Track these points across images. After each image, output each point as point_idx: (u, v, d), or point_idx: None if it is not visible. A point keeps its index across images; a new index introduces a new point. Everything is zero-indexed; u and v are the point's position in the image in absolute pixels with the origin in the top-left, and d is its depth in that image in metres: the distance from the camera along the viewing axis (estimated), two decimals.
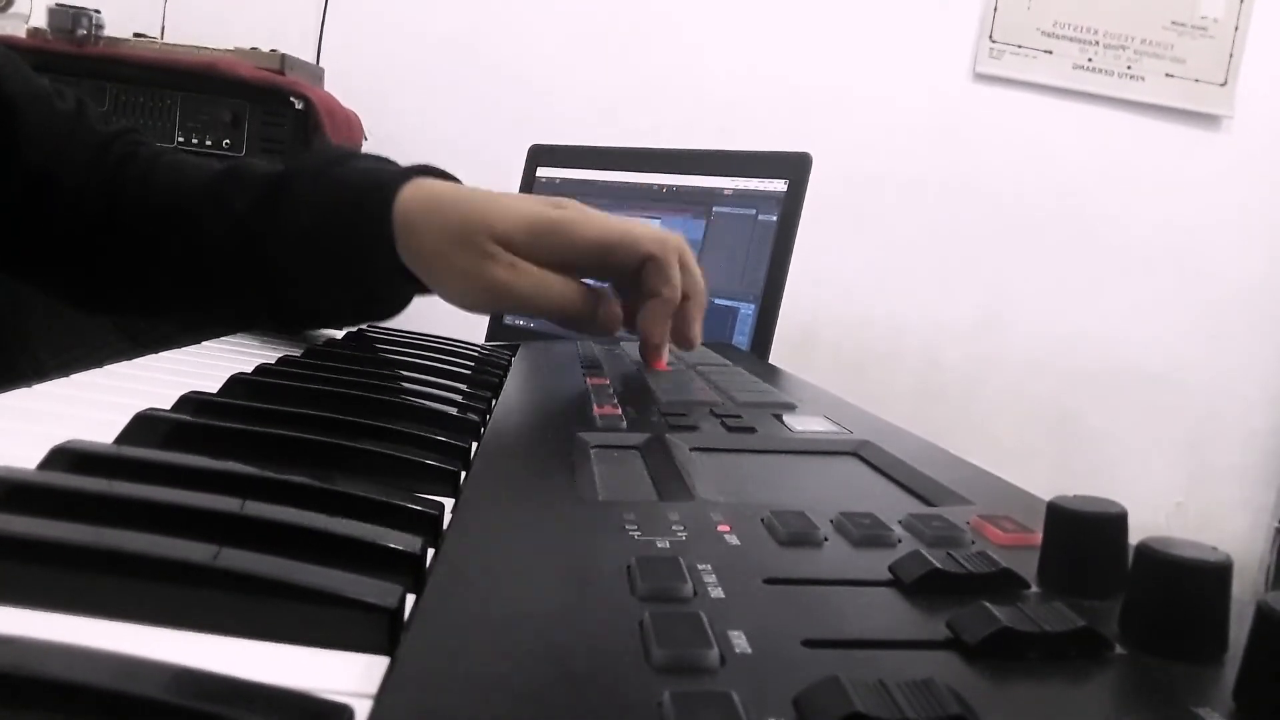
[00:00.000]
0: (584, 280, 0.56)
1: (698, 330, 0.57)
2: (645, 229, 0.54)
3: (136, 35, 1.70)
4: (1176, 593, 0.19)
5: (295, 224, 0.56)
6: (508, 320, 1.02)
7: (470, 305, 0.55)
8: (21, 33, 1.61)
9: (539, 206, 0.55)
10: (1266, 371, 2.11)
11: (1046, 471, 2.05)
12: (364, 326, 0.69)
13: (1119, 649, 0.19)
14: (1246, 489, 2.12)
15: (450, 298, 0.56)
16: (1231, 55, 2.03)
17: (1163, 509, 2.10)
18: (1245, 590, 0.21)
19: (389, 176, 0.55)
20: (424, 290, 0.58)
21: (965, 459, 0.37)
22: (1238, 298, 2.09)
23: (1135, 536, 0.20)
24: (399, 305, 0.61)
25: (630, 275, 0.55)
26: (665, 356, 0.57)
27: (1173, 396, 2.10)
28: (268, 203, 0.57)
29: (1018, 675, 0.18)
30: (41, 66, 0.63)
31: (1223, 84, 2.03)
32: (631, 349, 0.66)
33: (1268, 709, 0.17)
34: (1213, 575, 0.19)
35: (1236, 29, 2.02)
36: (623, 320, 0.57)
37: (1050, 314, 2.07)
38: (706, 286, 0.57)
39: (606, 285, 0.58)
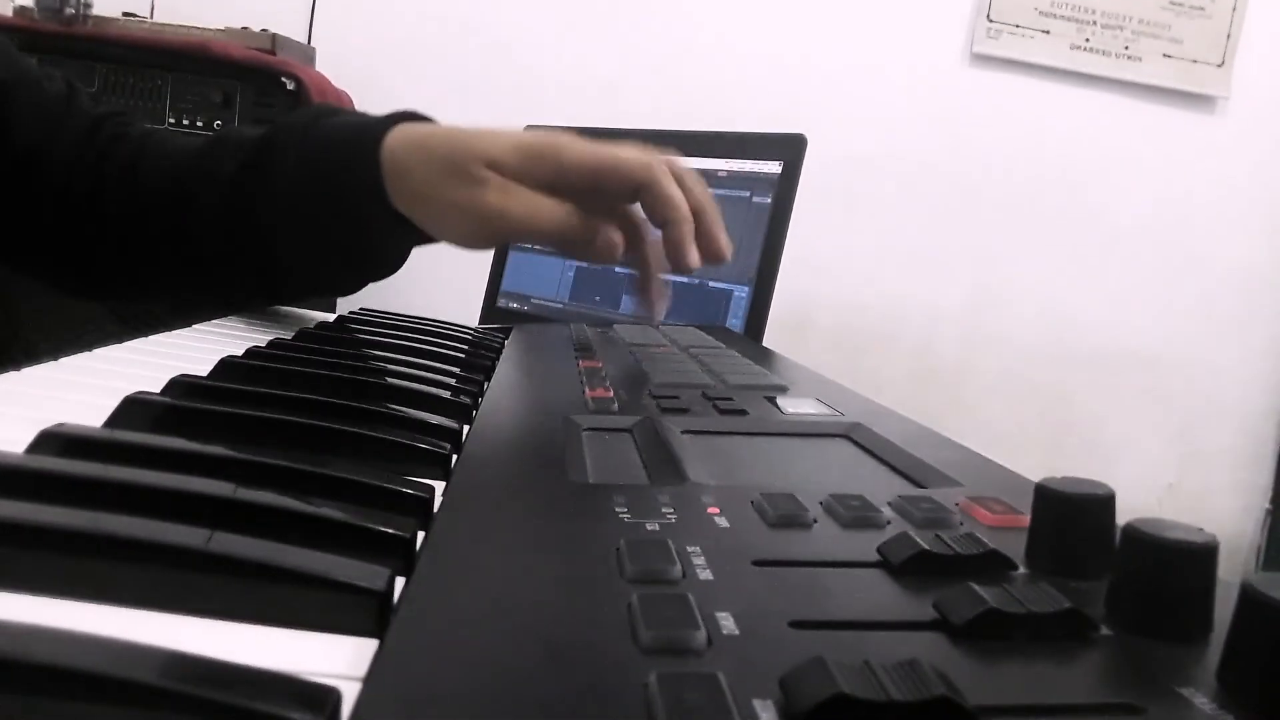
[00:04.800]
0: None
1: (723, 240, 0.55)
2: (632, 155, 0.53)
3: (126, 15, 1.68)
4: (1162, 574, 0.19)
5: (284, 180, 0.56)
6: (501, 304, 1.02)
7: (467, 237, 0.54)
8: (8, 11, 1.59)
9: (526, 133, 0.54)
10: (1260, 354, 2.12)
11: (1039, 454, 2.06)
12: (355, 310, 0.69)
13: (1105, 630, 0.19)
14: (1238, 471, 2.13)
15: (446, 233, 0.55)
16: (1229, 36, 2.02)
17: (1155, 491, 2.11)
18: (1236, 572, 0.21)
19: (374, 123, 0.55)
20: (420, 240, 0.57)
21: (957, 442, 0.37)
22: (1233, 280, 2.09)
23: (1127, 519, 0.21)
24: (395, 260, 0.60)
25: (626, 202, 0.55)
26: (662, 307, 0.56)
27: (1166, 379, 2.10)
28: (255, 163, 0.56)
29: (1003, 656, 0.18)
30: (28, 46, 0.62)
31: (1220, 65, 2.02)
32: (625, 331, 0.66)
33: (1251, 688, 0.17)
34: (1198, 556, 0.19)
35: (1234, 10, 2.01)
36: (622, 249, 0.56)
37: (1044, 297, 2.07)
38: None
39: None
